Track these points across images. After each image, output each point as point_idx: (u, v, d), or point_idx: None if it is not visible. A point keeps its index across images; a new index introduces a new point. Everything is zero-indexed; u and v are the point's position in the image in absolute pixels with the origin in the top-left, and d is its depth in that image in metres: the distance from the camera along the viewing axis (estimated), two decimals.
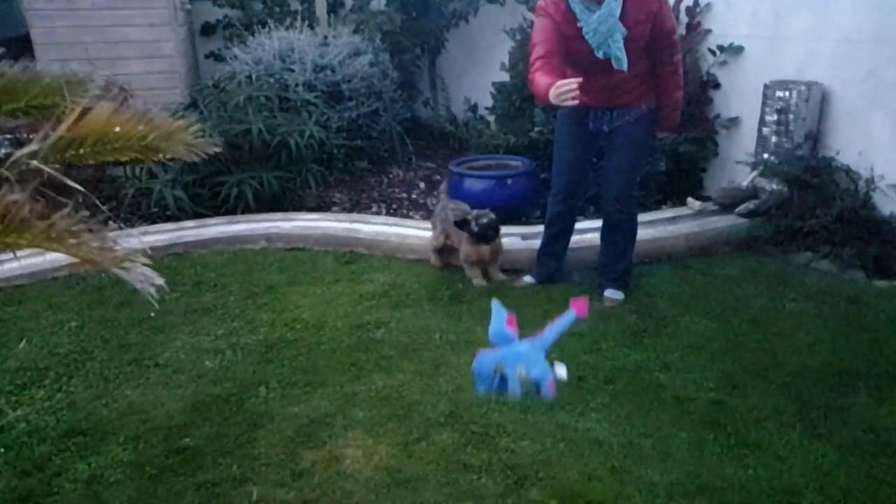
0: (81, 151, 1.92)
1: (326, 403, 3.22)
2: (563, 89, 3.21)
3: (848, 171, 4.62)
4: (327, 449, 2.92)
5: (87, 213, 1.94)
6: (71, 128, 1.83)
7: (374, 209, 5.93)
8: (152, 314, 4.01)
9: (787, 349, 3.56)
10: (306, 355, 3.63)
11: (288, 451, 2.91)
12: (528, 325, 3.88)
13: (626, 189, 3.98)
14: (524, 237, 4.78)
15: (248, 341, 3.78)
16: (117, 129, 1.88)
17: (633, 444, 2.90)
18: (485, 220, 4.18)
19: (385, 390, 3.31)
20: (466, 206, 4.55)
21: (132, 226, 5.47)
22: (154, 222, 5.47)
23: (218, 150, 2.22)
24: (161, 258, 4.85)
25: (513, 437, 2.96)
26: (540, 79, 3.48)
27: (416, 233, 4.99)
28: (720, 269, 4.52)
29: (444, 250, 4.58)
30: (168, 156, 2.16)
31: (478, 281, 4.34)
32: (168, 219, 5.50)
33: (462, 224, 4.23)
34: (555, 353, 3.52)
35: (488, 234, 4.21)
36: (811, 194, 4.61)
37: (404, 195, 6.32)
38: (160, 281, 1.81)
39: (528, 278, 4.41)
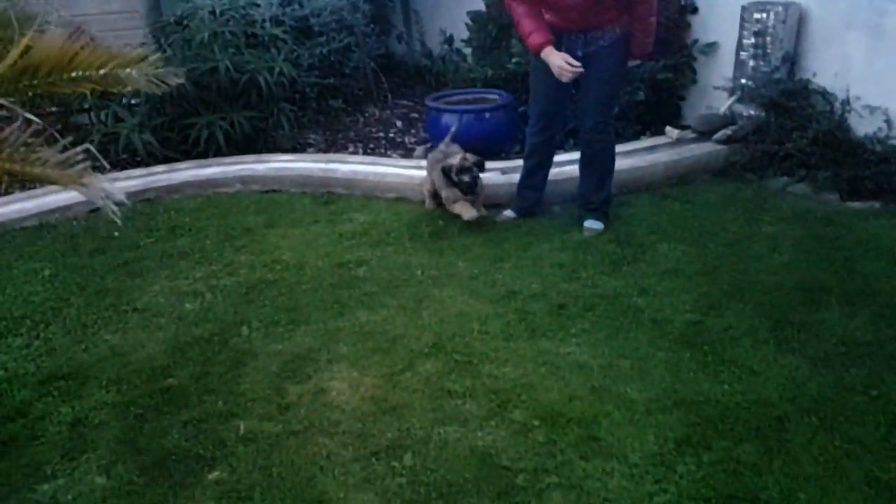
0: (35, 82, 1.89)
1: (310, 340, 3.28)
2: (567, 70, 3.82)
3: (824, 93, 4.67)
4: (312, 383, 2.99)
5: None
6: (22, 57, 1.81)
7: (351, 149, 5.91)
8: (126, 261, 4.03)
9: (763, 270, 3.66)
10: (288, 295, 3.68)
11: (273, 386, 2.98)
12: (508, 259, 3.98)
13: (602, 118, 4.01)
14: (503, 172, 4.80)
15: (228, 283, 3.81)
16: (72, 57, 1.86)
17: (612, 365, 3.00)
18: (466, 178, 4.18)
19: (368, 325, 3.38)
20: (457, 149, 4.48)
21: (100, 173, 5.40)
22: (123, 169, 5.41)
23: (181, 81, 2.21)
24: (133, 204, 4.82)
25: (495, 364, 3.05)
26: (523, 20, 3.82)
27: (394, 171, 4.99)
28: (698, 196, 4.59)
29: (438, 193, 4.46)
30: (129, 88, 2.14)
31: (468, 214, 4.22)
32: (137, 165, 5.44)
33: (445, 173, 4.25)
34: (535, 282, 3.64)
35: (469, 187, 4.21)
36: (788, 118, 4.67)
37: (381, 134, 6.29)
38: (121, 196, 1.81)
39: (508, 212, 4.45)
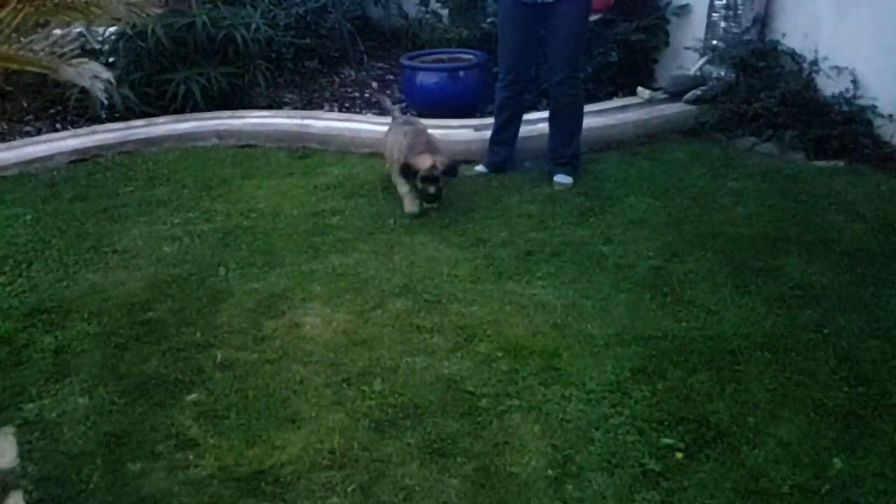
0: (19, 5, 1.97)
1: (285, 280, 3.40)
2: None
3: (793, 54, 4.82)
4: (287, 318, 3.12)
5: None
6: None
7: (326, 108, 5.98)
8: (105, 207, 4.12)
9: (726, 221, 3.83)
10: (263, 240, 3.79)
11: (249, 320, 3.10)
12: (478, 210, 4.10)
13: (569, 72, 4.14)
14: (476, 129, 4.91)
15: (205, 229, 3.91)
16: None
17: (575, 304, 3.15)
18: (431, 190, 3.82)
19: (341, 268, 3.50)
20: (420, 124, 4.26)
21: (79, 128, 5.45)
22: (102, 124, 5.45)
23: (159, 11, 2.29)
24: (112, 156, 4.89)
25: (463, 304, 3.19)
26: None
27: (369, 127, 5.09)
28: (666, 154, 4.74)
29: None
30: (111, 17, 2.23)
31: (410, 207, 3.96)
32: (116, 120, 5.49)
33: (406, 174, 3.87)
34: (504, 231, 3.78)
35: (431, 199, 3.88)
36: (757, 78, 4.82)
37: (357, 95, 6.36)
38: (108, 75, 1.91)
39: (479, 168, 4.58)
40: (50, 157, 4.75)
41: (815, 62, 4.70)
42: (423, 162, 3.77)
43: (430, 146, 3.95)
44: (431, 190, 3.81)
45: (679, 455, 2.31)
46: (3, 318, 3.11)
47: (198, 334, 3.01)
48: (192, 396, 2.66)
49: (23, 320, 3.11)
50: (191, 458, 2.39)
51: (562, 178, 4.33)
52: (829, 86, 4.70)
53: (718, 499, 2.15)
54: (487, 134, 4.63)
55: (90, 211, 4.13)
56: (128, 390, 2.69)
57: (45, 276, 3.45)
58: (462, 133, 4.73)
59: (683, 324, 2.99)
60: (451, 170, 3.88)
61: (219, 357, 2.87)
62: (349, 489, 2.25)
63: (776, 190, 4.18)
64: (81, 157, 4.85)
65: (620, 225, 3.84)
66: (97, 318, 3.14)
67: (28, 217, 4.03)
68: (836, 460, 2.26)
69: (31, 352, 2.90)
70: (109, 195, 4.34)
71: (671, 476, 2.24)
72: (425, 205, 3.90)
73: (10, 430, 2.48)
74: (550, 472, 2.28)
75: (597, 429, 2.45)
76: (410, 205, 3.95)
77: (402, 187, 3.96)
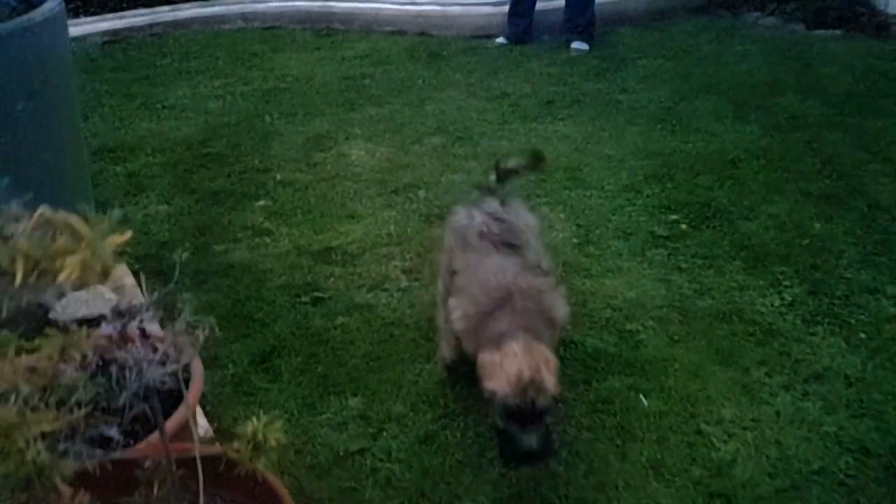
0: None
1: (327, 125, 3.94)
2: None
3: None
4: (334, 151, 3.67)
5: None
6: None
7: None
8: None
9: (730, 74, 4.36)
10: (301, 97, 4.32)
11: (301, 152, 3.65)
12: (501, 72, 4.60)
13: None
14: (495, 3, 5.40)
15: (245, 90, 4.44)
16: None
17: (593, 135, 3.70)
18: (528, 443, 1.66)
19: (378, 116, 4.04)
20: (522, 235, 2.06)
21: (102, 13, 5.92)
22: (127, 10, 5.91)
23: None
24: (142, 37, 5.38)
25: (492, 139, 3.74)
26: None
27: (391, 6, 5.56)
28: (676, 26, 5.24)
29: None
30: None
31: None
32: (140, 5, 5.94)
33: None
34: (526, 87, 4.30)
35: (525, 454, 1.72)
36: None
37: None
38: None
39: (500, 39, 5.08)
40: (83, 38, 5.21)
41: None
42: (513, 373, 1.63)
43: (531, 316, 1.80)
44: (528, 443, 1.66)
45: (683, 226, 2.89)
46: None
47: (256, 161, 3.56)
48: (261, 203, 3.22)
49: (91, 157, 3.64)
50: (268, 241, 2.96)
51: (578, 45, 4.84)
52: None
53: (715, 252, 2.73)
54: (506, 8, 5.11)
55: (132, 78, 4.64)
56: (201, 199, 3.25)
57: (103, 126, 3.98)
58: (482, 9, 5.21)
59: (689, 144, 3.55)
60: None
61: (278, 177, 3.42)
62: (407, 257, 2.82)
63: (777, 51, 4.70)
64: (113, 39, 5.33)
65: (634, 79, 4.37)
66: (160, 153, 3.68)
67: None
68: (815, 224, 2.84)
69: (105, 176, 3.44)
70: (148, 66, 4.85)
71: (676, 239, 2.82)
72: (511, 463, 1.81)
73: None
74: (575, 240, 2.86)
75: (613, 213, 3.02)
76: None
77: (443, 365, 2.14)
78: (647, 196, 3.14)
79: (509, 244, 1.91)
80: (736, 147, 3.48)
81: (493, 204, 2.05)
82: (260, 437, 1.02)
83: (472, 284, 1.86)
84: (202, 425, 1.86)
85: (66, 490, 0.85)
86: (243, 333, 2.39)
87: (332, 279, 2.69)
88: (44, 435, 0.85)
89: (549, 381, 1.57)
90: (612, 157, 3.47)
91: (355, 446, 1.95)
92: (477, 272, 1.88)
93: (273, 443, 1.02)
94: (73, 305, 2.07)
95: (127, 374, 1.02)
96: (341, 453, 1.93)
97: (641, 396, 2.06)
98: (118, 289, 2.62)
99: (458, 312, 1.85)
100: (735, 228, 2.86)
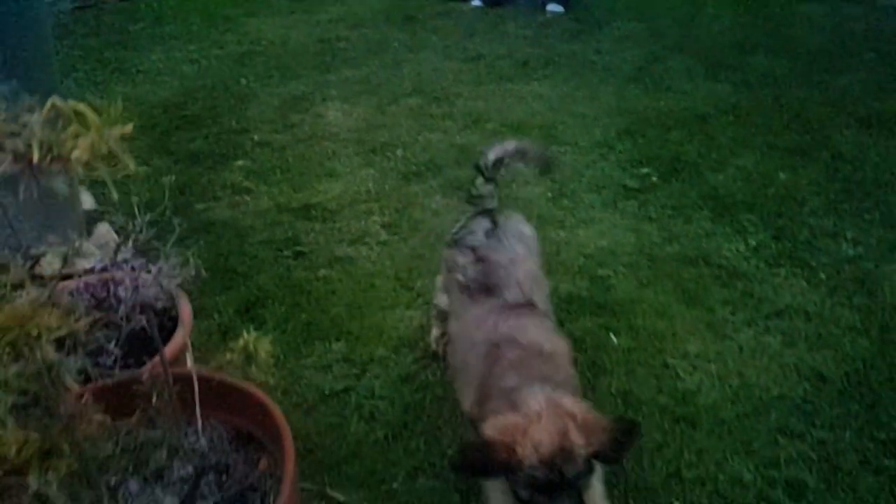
0: None
1: (303, 87, 4.00)
2: None
3: None
4: (311, 112, 3.73)
5: None
6: None
7: None
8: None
9: (703, 35, 4.47)
10: (276, 60, 4.37)
11: (277, 113, 3.71)
12: (477, 34, 4.67)
13: None
14: None
15: (220, 53, 4.48)
16: None
17: (568, 95, 3.80)
18: None
19: (354, 78, 4.11)
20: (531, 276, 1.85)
21: None
22: None
23: None
24: (114, 3, 5.38)
25: (468, 99, 3.83)
26: None
27: None
28: None
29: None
30: None
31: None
32: None
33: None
34: (502, 48, 4.38)
35: None
36: None
37: None
38: None
39: (475, 1, 5.14)
40: (52, 3, 5.20)
41: None
42: (538, 442, 1.38)
43: (531, 362, 1.61)
44: None
45: (654, 179, 3.01)
46: None
47: (233, 123, 3.62)
48: (239, 163, 3.29)
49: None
50: (248, 199, 3.04)
51: (554, 7, 4.92)
52: None
53: (684, 203, 2.85)
54: None
55: (105, 43, 4.66)
56: (180, 160, 3.31)
57: (76, 90, 4.00)
58: None
59: (661, 102, 3.66)
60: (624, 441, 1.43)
61: (256, 138, 3.49)
62: (386, 212, 2.91)
63: (748, 12, 4.83)
64: (84, 4, 5.31)
65: (608, 41, 4.47)
66: (137, 116, 3.68)
67: None
68: (781, 175, 2.97)
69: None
70: (120, 32, 4.86)
71: (647, 191, 2.94)
72: None
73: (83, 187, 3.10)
74: (549, 193, 2.96)
75: (587, 168, 3.13)
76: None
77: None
78: (620, 152, 3.25)
79: (486, 287, 1.75)
80: (707, 104, 3.59)
81: (477, 235, 1.87)
82: (251, 348, 1.12)
83: (463, 343, 1.73)
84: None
85: (74, 386, 0.94)
86: (227, 286, 2.48)
87: (312, 234, 2.78)
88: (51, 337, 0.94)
89: (580, 444, 1.35)
90: (587, 116, 3.57)
91: (340, 386, 2.06)
92: (464, 329, 1.75)
93: (263, 354, 1.12)
94: (58, 262, 2.16)
95: (123, 291, 1.11)
96: (327, 392, 2.04)
97: (612, 335, 2.19)
98: (102, 247, 2.71)
99: (460, 388, 1.70)
100: (704, 180, 2.98)
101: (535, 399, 1.43)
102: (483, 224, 1.88)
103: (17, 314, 0.89)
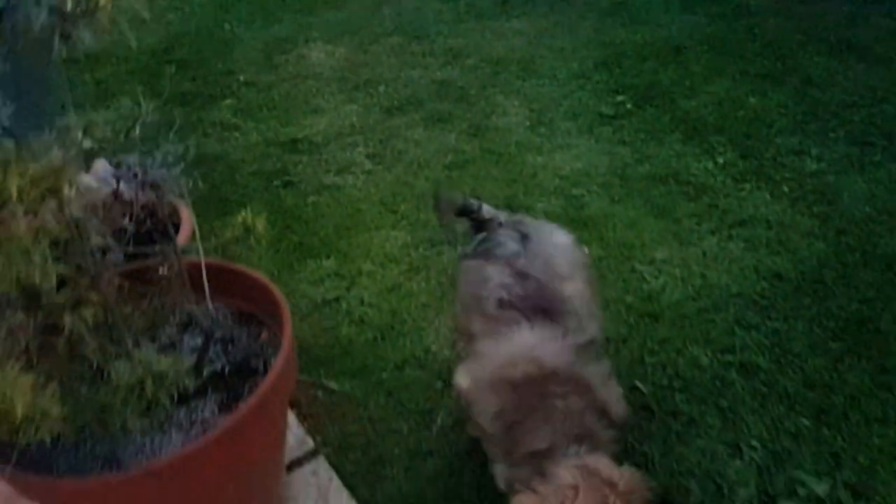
0: None
1: (286, 30, 4.12)
2: None
3: None
4: (295, 53, 3.87)
5: None
6: None
7: None
8: None
9: None
10: (258, 4, 4.48)
11: (262, 55, 3.85)
12: None
13: None
14: None
15: (202, 0, 4.58)
16: None
17: (547, 30, 3.94)
18: None
19: (335, 19, 4.23)
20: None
21: None
22: None
23: None
24: None
25: (449, 37, 3.95)
26: None
27: None
28: None
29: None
30: None
31: None
32: None
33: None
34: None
35: None
36: None
37: None
38: None
39: None
40: None
41: None
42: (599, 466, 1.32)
43: (579, 416, 1.41)
44: None
45: (629, 106, 3.17)
46: None
47: (219, 65, 3.75)
48: (227, 102, 3.44)
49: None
50: (237, 135, 3.19)
51: None
52: None
53: (657, 127, 3.02)
54: None
55: None
56: (171, 101, 3.45)
57: None
58: None
59: (638, 35, 3.80)
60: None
61: (242, 79, 3.63)
62: (370, 144, 3.08)
63: None
64: None
65: None
66: (125, 63, 3.85)
67: None
68: (751, 99, 3.14)
69: (76, 84, 3.62)
70: None
71: (622, 117, 3.10)
72: None
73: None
74: (528, 122, 3.13)
75: (564, 98, 3.29)
76: None
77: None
78: (597, 82, 3.40)
79: (543, 310, 1.46)
80: (682, 35, 3.73)
81: (510, 245, 1.57)
82: (249, 222, 1.29)
83: (493, 362, 1.45)
84: None
85: (102, 242, 1.12)
86: (221, 213, 2.65)
87: (300, 166, 2.95)
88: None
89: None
90: (565, 49, 3.71)
91: (332, 296, 2.25)
92: (499, 350, 1.45)
93: (260, 228, 1.30)
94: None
95: (137, 172, 1.28)
96: (319, 301, 2.22)
97: (584, 246, 2.37)
98: (101, 180, 2.86)
99: (479, 405, 1.46)
100: (677, 106, 3.15)
101: (569, 470, 1.28)
102: (510, 234, 1.60)
103: (52, 166, 1.05)
